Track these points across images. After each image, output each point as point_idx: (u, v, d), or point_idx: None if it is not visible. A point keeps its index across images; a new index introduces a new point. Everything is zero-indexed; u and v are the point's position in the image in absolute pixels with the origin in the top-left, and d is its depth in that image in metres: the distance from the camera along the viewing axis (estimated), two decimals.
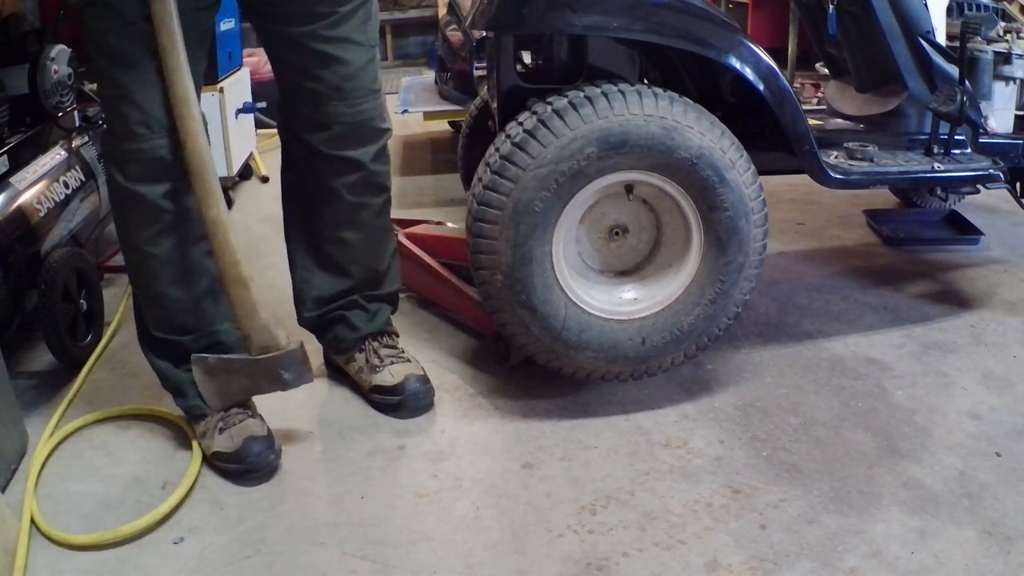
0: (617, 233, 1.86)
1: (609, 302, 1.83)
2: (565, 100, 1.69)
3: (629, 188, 1.79)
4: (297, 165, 1.81)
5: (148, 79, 1.51)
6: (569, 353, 1.80)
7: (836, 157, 2.06)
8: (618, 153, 1.69)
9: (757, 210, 1.77)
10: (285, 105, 1.76)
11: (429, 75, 4.48)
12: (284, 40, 1.66)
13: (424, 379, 1.87)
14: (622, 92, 1.68)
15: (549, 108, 1.69)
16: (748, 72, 1.81)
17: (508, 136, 1.72)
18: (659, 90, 1.71)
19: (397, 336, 1.96)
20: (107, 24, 1.48)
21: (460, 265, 2.18)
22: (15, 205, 2.03)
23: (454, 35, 3.53)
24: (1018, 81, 2.23)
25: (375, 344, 1.90)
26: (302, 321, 1.93)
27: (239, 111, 3.38)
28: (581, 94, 1.69)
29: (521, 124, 1.71)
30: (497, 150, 1.72)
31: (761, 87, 1.82)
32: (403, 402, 1.84)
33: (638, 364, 1.84)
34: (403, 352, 1.91)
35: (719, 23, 1.81)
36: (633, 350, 1.81)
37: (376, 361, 1.87)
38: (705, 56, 1.81)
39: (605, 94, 1.68)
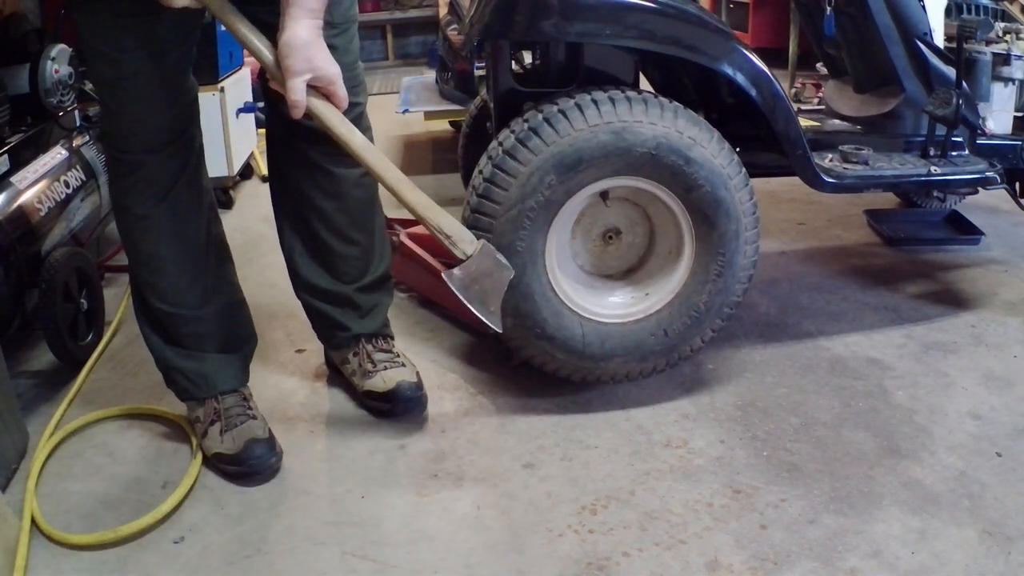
0: (611, 236, 1.87)
1: (622, 305, 1.84)
2: (513, 137, 1.70)
3: (604, 194, 1.79)
4: (279, 139, 1.80)
5: (142, 66, 1.53)
6: (599, 366, 1.82)
7: (831, 160, 2.05)
8: (578, 172, 1.69)
9: (734, 175, 1.76)
10: (261, 76, 1.76)
11: (430, 75, 4.48)
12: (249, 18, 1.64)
13: (417, 386, 1.85)
14: (563, 112, 1.69)
15: (501, 150, 1.71)
16: (740, 78, 1.81)
17: (473, 188, 1.75)
18: (600, 94, 1.71)
19: (392, 338, 1.95)
20: (101, 17, 1.51)
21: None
22: (16, 204, 2.04)
23: (455, 35, 3.53)
24: (1017, 82, 2.23)
25: (369, 347, 1.89)
26: (298, 292, 1.92)
27: (239, 111, 3.38)
28: (526, 126, 1.70)
29: (481, 173, 1.73)
30: (468, 204, 1.75)
31: (753, 92, 1.82)
32: (393, 410, 1.83)
33: (668, 354, 1.85)
34: (398, 356, 1.90)
35: (712, 29, 1.81)
36: (659, 344, 1.82)
37: (369, 366, 1.87)
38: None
39: (547, 119, 1.69)
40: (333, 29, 1.63)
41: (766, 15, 5.32)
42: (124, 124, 1.60)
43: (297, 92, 1.44)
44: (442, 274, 1.61)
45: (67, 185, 2.27)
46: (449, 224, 1.58)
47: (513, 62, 2.05)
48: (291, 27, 1.43)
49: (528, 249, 1.72)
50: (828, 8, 2.16)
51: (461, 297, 1.58)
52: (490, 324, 1.61)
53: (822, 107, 2.53)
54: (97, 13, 1.51)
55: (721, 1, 5.68)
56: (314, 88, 1.47)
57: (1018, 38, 2.23)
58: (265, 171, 3.66)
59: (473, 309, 1.59)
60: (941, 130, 2.09)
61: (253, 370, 1.85)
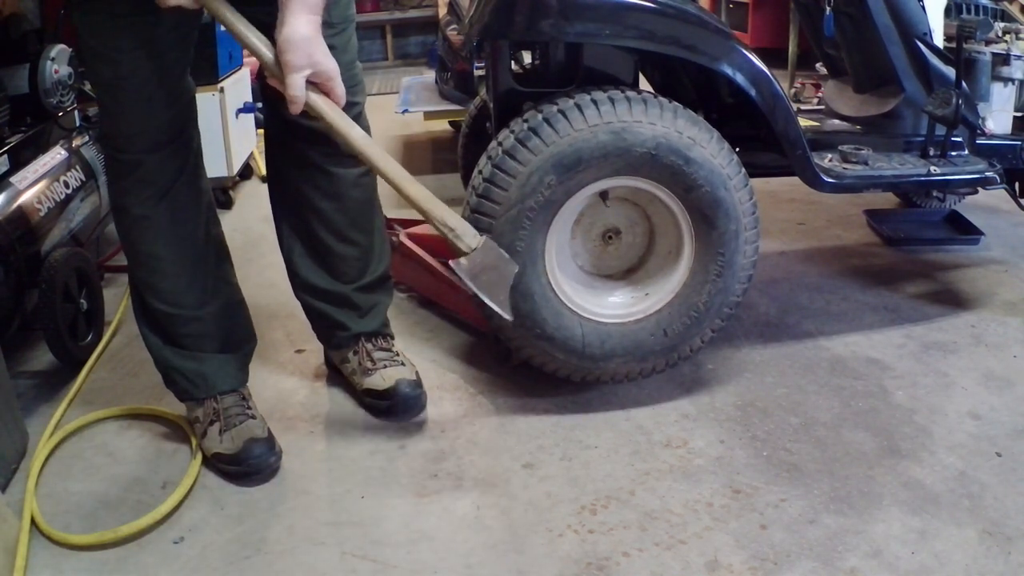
0: (610, 236, 1.87)
1: (621, 305, 1.84)
2: (512, 137, 1.70)
3: (604, 194, 1.79)
4: (277, 140, 1.81)
5: (140, 66, 1.53)
6: (599, 366, 1.82)
7: (830, 160, 2.05)
8: (577, 172, 1.69)
9: (734, 175, 1.76)
10: (261, 76, 1.76)
11: (429, 75, 4.48)
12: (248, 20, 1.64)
13: (416, 384, 1.86)
14: (562, 112, 1.69)
15: (500, 150, 1.71)
16: (740, 78, 1.81)
17: (473, 188, 1.74)
18: (600, 94, 1.71)
19: (392, 338, 1.96)
20: (99, 17, 1.51)
21: None
22: (15, 205, 2.03)
23: (454, 35, 3.54)
24: (1017, 82, 2.23)
25: (368, 346, 1.89)
26: (297, 292, 1.92)
27: (239, 111, 3.38)
28: (525, 126, 1.70)
29: (480, 173, 1.73)
30: (467, 204, 1.74)
31: (753, 93, 1.82)
32: (393, 407, 1.83)
33: (668, 354, 1.85)
34: (397, 355, 1.91)
35: (712, 29, 1.81)
36: (659, 343, 1.82)
37: (368, 364, 1.87)
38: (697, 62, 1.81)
39: (547, 119, 1.69)
40: (331, 29, 1.63)
41: (766, 15, 5.32)
42: (122, 124, 1.60)
43: (296, 88, 1.44)
44: (449, 262, 1.61)
45: (67, 185, 2.27)
46: (452, 218, 1.57)
47: (513, 62, 2.05)
48: (291, 22, 1.42)
49: (528, 249, 1.72)
50: (828, 8, 2.16)
51: (471, 285, 1.57)
52: (500, 312, 1.60)
53: (822, 107, 2.53)
54: (95, 13, 1.51)
55: (721, 1, 5.68)
56: (313, 84, 1.47)
57: (1018, 38, 2.23)
58: (264, 171, 3.66)
59: (483, 297, 1.58)
60: (941, 130, 2.09)
61: (253, 370, 1.85)
